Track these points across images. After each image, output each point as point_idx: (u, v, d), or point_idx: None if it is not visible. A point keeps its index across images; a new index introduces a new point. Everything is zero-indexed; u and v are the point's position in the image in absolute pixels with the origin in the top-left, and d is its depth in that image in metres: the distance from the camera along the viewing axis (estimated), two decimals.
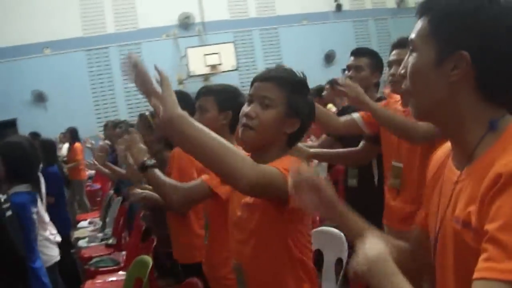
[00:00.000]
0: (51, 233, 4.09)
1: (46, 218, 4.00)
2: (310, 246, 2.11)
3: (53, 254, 4.04)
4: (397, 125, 2.94)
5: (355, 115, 3.39)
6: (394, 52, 3.26)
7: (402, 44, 3.20)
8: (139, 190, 3.33)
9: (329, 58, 16.59)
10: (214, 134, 1.69)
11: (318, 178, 1.49)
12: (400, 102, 3.25)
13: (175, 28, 15.71)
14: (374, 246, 1.28)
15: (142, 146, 2.69)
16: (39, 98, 13.68)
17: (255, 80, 2.13)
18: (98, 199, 10.13)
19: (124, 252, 5.36)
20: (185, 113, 1.66)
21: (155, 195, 3.17)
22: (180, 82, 15.10)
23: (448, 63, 1.26)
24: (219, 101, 2.85)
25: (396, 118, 2.95)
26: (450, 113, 1.30)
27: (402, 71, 1.40)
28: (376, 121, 3.09)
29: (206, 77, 14.51)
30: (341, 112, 3.85)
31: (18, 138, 3.81)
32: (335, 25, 17.09)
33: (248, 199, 2.03)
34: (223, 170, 1.72)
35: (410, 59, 1.35)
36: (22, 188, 3.45)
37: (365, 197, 3.60)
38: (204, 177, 2.66)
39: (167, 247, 3.86)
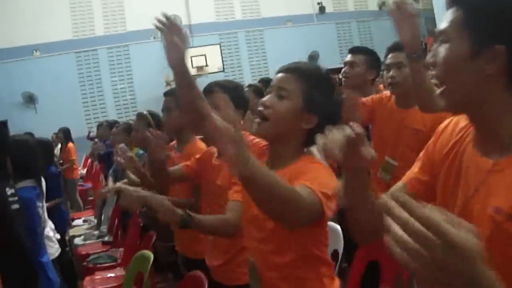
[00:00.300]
0: (51, 230, 4.11)
1: (45, 215, 4.02)
2: (327, 242, 2.05)
3: (51, 251, 4.05)
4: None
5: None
6: (390, 55, 3.26)
7: (398, 47, 3.16)
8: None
9: (313, 59, 16.60)
10: (278, 179, 1.61)
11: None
12: (393, 101, 3.30)
13: None
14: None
15: (167, 203, 2.44)
16: (30, 99, 13.59)
17: (278, 71, 2.06)
18: (90, 198, 10.13)
19: (121, 249, 5.37)
20: (255, 165, 1.52)
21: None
22: (168, 83, 15.06)
23: (484, 56, 1.22)
24: (233, 98, 2.77)
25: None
26: (482, 105, 1.28)
27: (431, 60, 1.35)
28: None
29: (193, 78, 14.44)
30: None
31: (24, 136, 3.83)
32: (319, 27, 17.14)
33: None
34: (284, 216, 1.69)
35: (441, 49, 1.31)
36: (28, 183, 3.47)
37: None
38: (236, 196, 2.45)
39: (167, 241, 3.89)
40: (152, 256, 3.41)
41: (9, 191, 2.85)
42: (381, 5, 17.89)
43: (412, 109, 3.09)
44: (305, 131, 1.99)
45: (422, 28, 18.50)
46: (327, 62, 15.03)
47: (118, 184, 3.76)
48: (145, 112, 4.32)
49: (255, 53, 16.67)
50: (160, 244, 3.99)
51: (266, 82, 7.17)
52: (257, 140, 2.20)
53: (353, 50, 3.92)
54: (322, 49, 16.37)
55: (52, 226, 4.17)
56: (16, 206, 2.84)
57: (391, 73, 3.22)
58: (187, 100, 2.33)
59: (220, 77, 14.36)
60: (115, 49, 15.20)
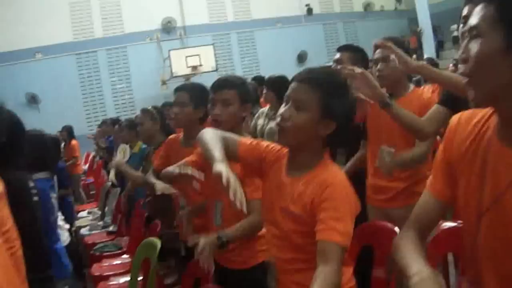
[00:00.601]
0: (61, 220, 4.16)
1: (57, 205, 4.07)
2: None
3: (63, 239, 4.10)
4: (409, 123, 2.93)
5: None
6: (378, 50, 3.28)
7: None
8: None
9: (302, 58, 16.65)
10: None
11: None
12: None
13: (159, 32, 15.71)
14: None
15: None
16: (33, 100, 13.59)
17: (292, 80, 2.00)
18: (92, 192, 10.18)
19: (125, 238, 5.42)
20: None
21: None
22: (163, 82, 15.11)
23: None
24: (241, 94, 2.75)
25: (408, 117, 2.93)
26: None
27: (463, 55, 1.31)
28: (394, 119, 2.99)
29: (187, 77, 14.52)
30: None
31: (39, 131, 3.87)
32: (307, 27, 17.23)
33: (294, 208, 1.93)
34: None
35: (473, 44, 1.27)
36: (43, 175, 3.52)
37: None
38: (255, 195, 2.44)
39: (173, 228, 3.95)
40: (159, 243, 3.44)
41: (30, 184, 2.89)
42: (366, 7, 18.01)
43: (400, 98, 3.19)
44: (324, 136, 1.97)
45: (406, 28, 18.59)
46: (314, 61, 15.08)
47: None
48: (149, 107, 4.37)
49: (247, 53, 16.72)
50: (165, 231, 4.04)
51: (259, 80, 7.24)
52: (273, 145, 2.13)
53: (341, 48, 3.92)
54: (310, 49, 16.43)
55: (62, 216, 4.23)
56: (36, 198, 2.88)
57: (378, 66, 3.27)
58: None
59: (214, 76, 14.40)
60: (113, 51, 15.22)
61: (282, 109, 1.96)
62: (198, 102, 3.25)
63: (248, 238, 2.70)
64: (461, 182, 1.41)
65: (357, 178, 3.34)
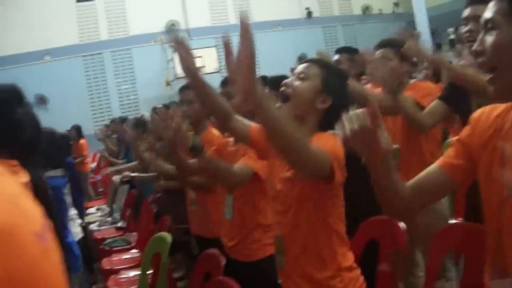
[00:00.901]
0: (75, 214, 4.18)
1: (70, 201, 4.08)
2: (343, 218, 2.09)
3: (76, 233, 4.12)
4: (411, 114, 3.01)
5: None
6: (378, 52, 3.35)
7: (383, 44, 3.37)
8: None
9: (302, 60, 16.58)
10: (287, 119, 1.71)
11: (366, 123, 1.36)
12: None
13: (162, 34, 15.70)
14: None
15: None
16: (41, 101, 13.58)
17: (300, 62, 2.18)
18: (99, 190, 10.20)
19: (134, 233, 5.44)
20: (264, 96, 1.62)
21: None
22: (168, 83, 15.11)
23: None
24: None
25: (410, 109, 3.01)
26: None
27: (479, 48, 1.34)
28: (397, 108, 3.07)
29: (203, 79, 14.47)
30: None
31: (50, 129, 3.87)
32: (306, 30, 17.21)
33: (288, 174, 2.01)
34: (291, 153, 1.71)
35: (488, 37, 1.30)
36: (56, 172, 3.53)
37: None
38: (246, 160, 2.65)
39: (181, 223, 3.98)
40: (170, 238, 3.46)
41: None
42: (365, 10, 18.00)
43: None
44: (320, 112, 2.05)
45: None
46: None
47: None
48: (159, 106, 4.37)
49: None
50: (174, 226, 4.06)
51: (265, 79, 7.24)
52: None
53: (339, 50, 3.98)
54: (310, 51, 16.32)
55: (75, 211, 4.24)
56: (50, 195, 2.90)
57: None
58: (202, 96, 2.37)
59: (216, 77, 14.41)
60: (118, 53, 15.22)
61: (286, 80, 2.09)
62: None
63: (217, 177, 2.76)
64: (481, 170, 1.43)
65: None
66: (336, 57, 3.90)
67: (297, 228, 2.02)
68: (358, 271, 2.12)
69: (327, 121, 2.04)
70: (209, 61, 14.99)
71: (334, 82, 2.07)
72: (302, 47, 16.55)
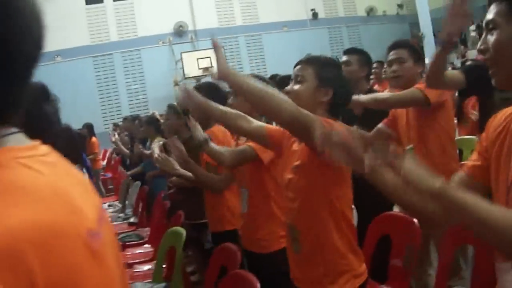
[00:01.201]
0: None
1: None
2: (351, 204, 2.19)
3: None
4: (375, 99, 3.12)
5: (380, 125, 3.50)
6: (392, 52, 3.31)
7: (398, 45, 3.34)
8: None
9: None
10: (258, 85, 1.95)
11: (347, 133, 1.43)
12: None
13: (171, 36, 15.73)
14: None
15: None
16: None
17: (294, 66, 2.25)
18: (110, 186, 10.22)
19: (147, 228, 5.43)
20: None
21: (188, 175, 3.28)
22: (176, 83, 15.13)
23: None
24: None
25: (373, 96, 3.15)
26: None
27: (483, 46, 1.43)
28: (369, 106, 3.18)
29: (199, 78, 14.56)
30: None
31: (66, 126, 3.88)
32: (312, 31, 17.23)
33: (298, 162, 2.11)
34: (268, 108, 1.96)
35: (490, 36, 1.41)
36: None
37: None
38: (251, 143, 2.73)
39: (194, 219, 3.97)
40: (184, 232, 3.46)
41: None
42: (369, 11, 18.00)
43: None
44: (326, 103, 2.16)
45: (408, 32, 18.57)
46: None
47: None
48: (175, 103, 4.37)
49: (254, 56, 16.72)
50: (186, 221, 4.05)
51: (274, 78, 7.24)
52: None
53: (347, 51, 3.97)
54: (316, 52, 15.93)
55: None
56: None
57: (393, 67, 3.27)
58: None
59: None
60: (128, 53, 15.25)
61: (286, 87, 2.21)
62: (212, 98, 3.29)
63: (216, 159, 2.95)
64: (492, 165, 1.49)
65: None
66: (344, 58, 3.88)
67: (306, 213, 2.11)
68: (362, 256, 2.23)
69: (335, 109, 2.18)
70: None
71: (329, 74, 2.16)
72: (307, 48, 16.40)
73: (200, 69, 14.82)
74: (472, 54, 16.63)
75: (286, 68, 3.00)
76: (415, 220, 2.58)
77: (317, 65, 2.17)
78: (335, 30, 17.71)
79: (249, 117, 2.47)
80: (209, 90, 3.34)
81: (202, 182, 3.31)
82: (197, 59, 14.85)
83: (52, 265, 0.57)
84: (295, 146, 2.19)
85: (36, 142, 0.69)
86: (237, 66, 16.20)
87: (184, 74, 14.76)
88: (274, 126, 2.47)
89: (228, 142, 3.29)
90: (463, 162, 3.94)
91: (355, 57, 3.79)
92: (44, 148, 0.69)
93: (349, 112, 3.20)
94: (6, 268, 0.52)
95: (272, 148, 2.48)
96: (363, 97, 3.15)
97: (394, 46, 3.36)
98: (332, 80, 2.15)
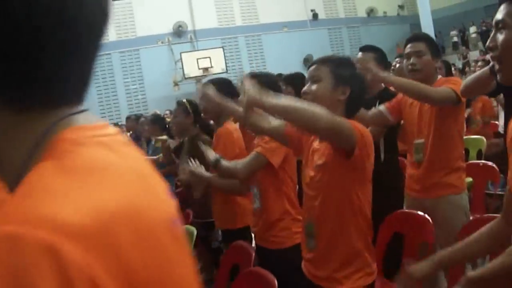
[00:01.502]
0: None
1: None
2: (370, 199, 2.18)
3: None
4: (417, 89, 2.96)
5: (381, 107, 3.39)
6: (410, 45, 3.24)
7: (416, 38, 3.28)
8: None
9: (307, 61, 16.63)
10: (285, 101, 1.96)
11: None
12: None
13: (170, 36, 15.76)
14: None
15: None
16: None
17: (309, 66, 2.27)
18: None
19: None
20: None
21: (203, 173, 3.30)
22: (175, 83, 15.13)
23: None
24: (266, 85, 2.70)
25: (415, 84, 2.97)
26: None
27: (491, 44, 1.51)
28: (397, 89, 3.16)
29: (199, 78, 14.56)
30: (378, 96, 3.81)
31: None
32: (312, 32, 17.31)
33: (320, 161, 2.14)
34: (305, 121, 1.92)
35: (500, 35, 1.48)
36: None
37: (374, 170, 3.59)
38: (259, 149, 2.75)
39: (203, 218, 3.98)
40: (195, 231, 3.46)
41: None
42: (369, 12, 18.03)
43: None
44: (344, 102, 2.17)
45: (408, 33, 18.45)
46: None
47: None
48: (184, 100, 4.34)
49: (255, 56, 16.76)
50: (194, 220, 4.06)
51: (278, 77, 7.23)
52: None
53: (362, 49, 3.91)
54: (316, 52, 16.31)
55: None
56: None
57: (411, 60, 3.20)
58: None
59: (224, 77, 14.41)
60: (126, 53, 15.29)
61: (304, 88, 2.22)
62: (223, 94, 3.18)
63: (230, 175, 2.98)
64: (509, 161, 1.55)
65: (396, 170, 3.52)
66: (360, 54, 3.85)
67: (327, 211, 2.14)
68: (375, 254, 2.28)
69: (353, 106, 2.21)
70: (216, 62, 15.02)
71: (346, 72, 2.18)
72: (307, 48, 16.54)
73: (200, 69, 14.87)
74: (473, 55, 16.67)
75: (287, 68, 2.99)
76: (427, 217, 2.62)
77: (332, 64, 2.19)
78: (335, 31, 17.79)
79: (268, 116, 2.46)
80: (221, 85, 3.29)
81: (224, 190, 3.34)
82: (197, 59, 14.92)
83: (147, 254, 0.52)
84: (316, 145, 2.22)
85: (104, 121, 0.65)
86: (237, 66, 16.22)
87: (184, 74, 14.77)
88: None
89: (232, 143, 3.30)
90: (470, 162, 4.14)
91: (371, 54, 3.75)
92: (113, 128, 0.64)
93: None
94: (100, 255, 0.47)
95: (291, 146, 2.51)
96: (393, 78, 3.11)
97: (412, 39, 3.31)
98: (348, 78, 2.17)
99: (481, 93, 2.73)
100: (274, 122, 2.47)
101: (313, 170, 2.19)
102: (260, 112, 2.39)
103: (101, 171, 0.55)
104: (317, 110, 1.89)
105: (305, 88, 2.21)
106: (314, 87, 2.17)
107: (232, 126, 3.43)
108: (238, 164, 2.86)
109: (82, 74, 0.63)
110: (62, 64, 0.58)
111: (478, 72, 2.90)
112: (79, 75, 0.63)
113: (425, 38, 3.28)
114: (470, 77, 3.00)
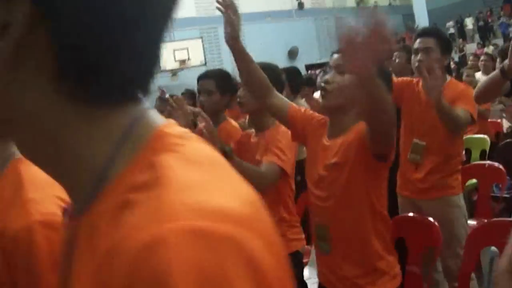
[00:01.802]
0: None
1: None
2: (386, 196, 2.19)
3: None
4: (454, 120, 2.99)
5: None
6: (419, 40, 3.25)
7: (426, 33, 3.29)
8: None
9: (293, 54, 16.59)
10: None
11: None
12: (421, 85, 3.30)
13: None
14: None
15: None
16: None
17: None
18: None
19: None
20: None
21: None
22: (173, 73, 15.12)
23: None
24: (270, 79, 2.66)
25: (456, 115, 3.00)
26: None
27: None
28: (438, 112, 3.01)
29: (175, 72, 14.27)
30: None
31: None
32: (298, 22, 17.19)
33: (334, 160, 2.14)
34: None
35: None
36: None
37: None
38: (272, 158, 2.66)
39: None
40: None
41: None
42: (359, 2, 18.06)
43: None
44: None
45: (401, 24, 18.46)
46: (306, 57, 14.90)
47: None
48: (192, 89, 4.25)
49: None
50: None
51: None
52: (316, 115, 2.41)
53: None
54: (301, 44, 16.36)
55: None
56: None
57: (418, 56, 3.21)
58: (243, 66, 2.41)
59: (202, 70, 14.00)
60: None
61: (326, 76, 2.21)
62: (224, 89, 3.31)
63: (249, 180, 2.50)
64: None
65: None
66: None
67: (343, 213, 2.13)
68: (396, 255, 2.26)
69: None
70: (195, 54, 15.02)
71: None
72: (293, 39, 16.50)
73: (176, 61, 14.69)
74: (470, 48, 16.64)
75: (270, 60, 2.97)
76: (432, 220, 2.61)
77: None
78: (323, 21, 17.64)
79: (277, 93, 2.47)
80: (220, 77, 3.31)
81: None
82: (174, 50, 14.66)
83: (274, 260, 0.49)
84: (326, 141, 2.23)
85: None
86: (217, 58, 15.99)
87: (159, 67, 14.36)
88: (298, 108, 2.50)
89: (248, 140, 3.07)
90: (474, 163, 4.26)
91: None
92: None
93: None
94: (265, 241, 0.48)
95: (290, 128, 2.51)
96: (444, 103, 2.95)
97: (422, 33, 3.34)
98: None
99: (494, 97, 2.78)
100: (282, 99, 2.48)
101: (324, 169, 2.20)
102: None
103: (218, 164, 0.55)
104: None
105: (328, 76, 2.19)
106: (339, 78, 2.15)
107: (234, 123, 3.45)
108: (261, 173, 2.68)
109: (148, 69, 0.61)
110: (138, 59, 0.57)
111: (488, 76, 2.95)
112: (146, 70, 0.60)
113: (435, 33, 3.32)
114: (481, 83, 3.07)
